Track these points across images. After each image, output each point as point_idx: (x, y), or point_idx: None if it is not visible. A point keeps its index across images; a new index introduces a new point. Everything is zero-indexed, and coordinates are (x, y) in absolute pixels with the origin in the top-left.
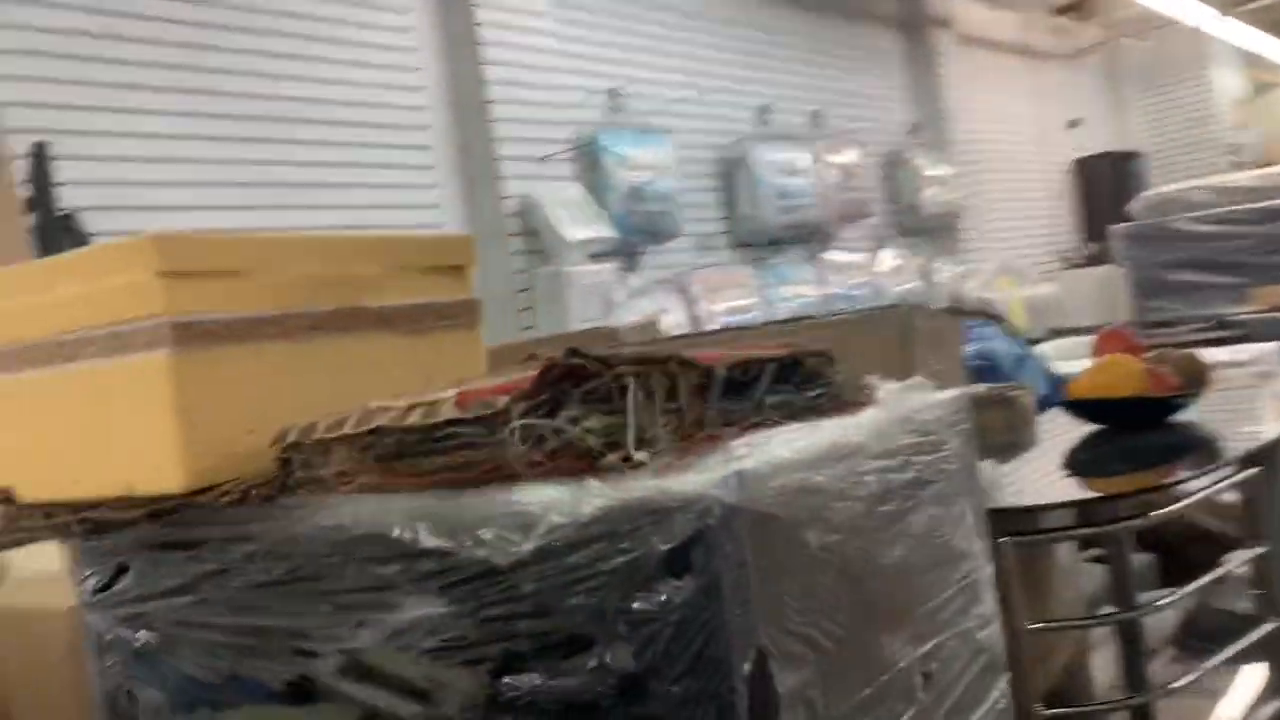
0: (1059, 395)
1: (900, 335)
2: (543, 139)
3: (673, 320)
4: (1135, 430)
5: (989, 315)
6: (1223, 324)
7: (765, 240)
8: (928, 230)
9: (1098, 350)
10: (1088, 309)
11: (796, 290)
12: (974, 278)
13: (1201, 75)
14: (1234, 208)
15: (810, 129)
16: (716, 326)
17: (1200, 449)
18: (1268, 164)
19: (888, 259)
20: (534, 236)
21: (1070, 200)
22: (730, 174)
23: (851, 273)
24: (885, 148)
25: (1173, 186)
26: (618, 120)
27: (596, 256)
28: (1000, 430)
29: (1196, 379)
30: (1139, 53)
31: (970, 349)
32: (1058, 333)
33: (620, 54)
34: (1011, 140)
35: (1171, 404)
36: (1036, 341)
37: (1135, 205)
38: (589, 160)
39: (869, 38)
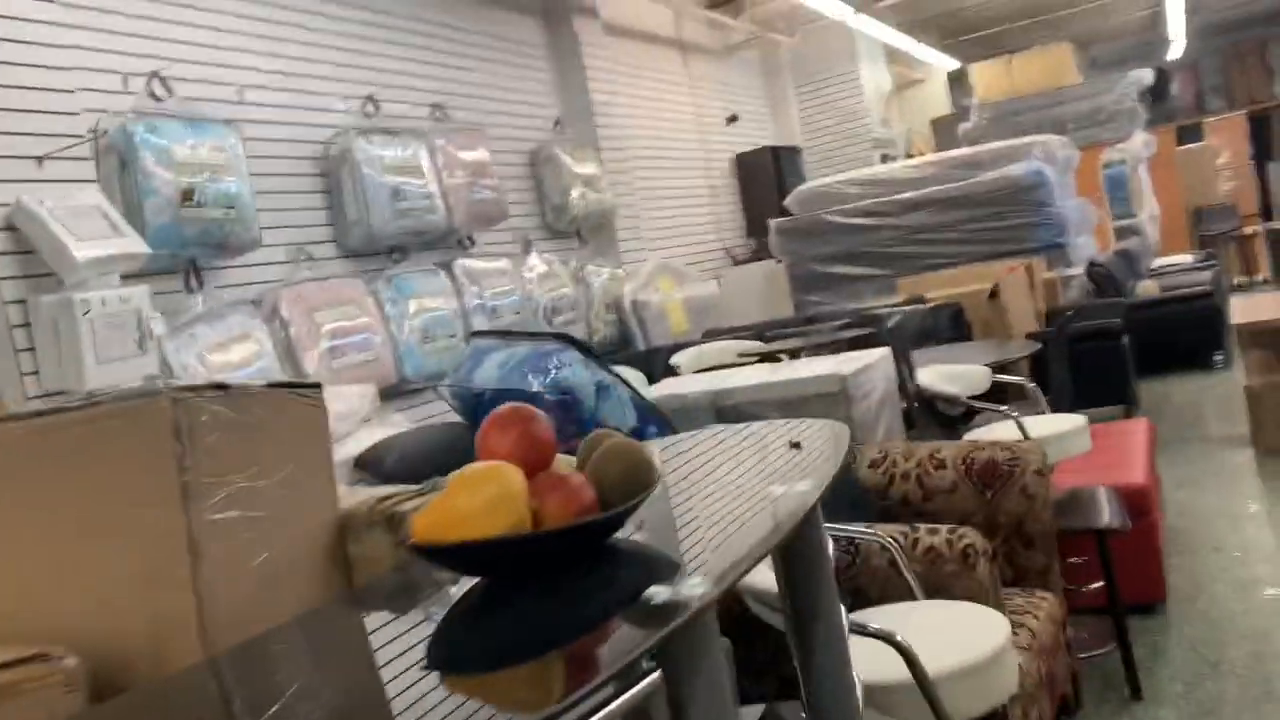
0: (655, 426)
1: (169, 436)
2: (48, 133)
3: (252, 349)
4: (520, 586)
5: (564, 339)
6: (860, 320)
7: (382, 248)
8: (579, 231)
9: (481, 446)
10: (754, 306)
11: (424, 304)
12: (631, 279)
13: (851, 71)
14: (880, 199)
15: (432, 123)
16: (325, 348)
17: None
18: (910, 157)
19: (536, 264)
20: (31, 256)
21: (734, 196)
22: (334, 173)
23: (493, 281)
24: (529, 144)
25: (824, 180)
26: (163, 110)
27: (128, 278)
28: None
29: (633, 483)
30: (791, 48)
31: (547, 378)
32: (714, 334)
33: (173, 29)
34: (670, 135)
35: (579, 537)
36: (632, 360)
37: (790, 200)
38: (119, 158)
39: (506, 25)
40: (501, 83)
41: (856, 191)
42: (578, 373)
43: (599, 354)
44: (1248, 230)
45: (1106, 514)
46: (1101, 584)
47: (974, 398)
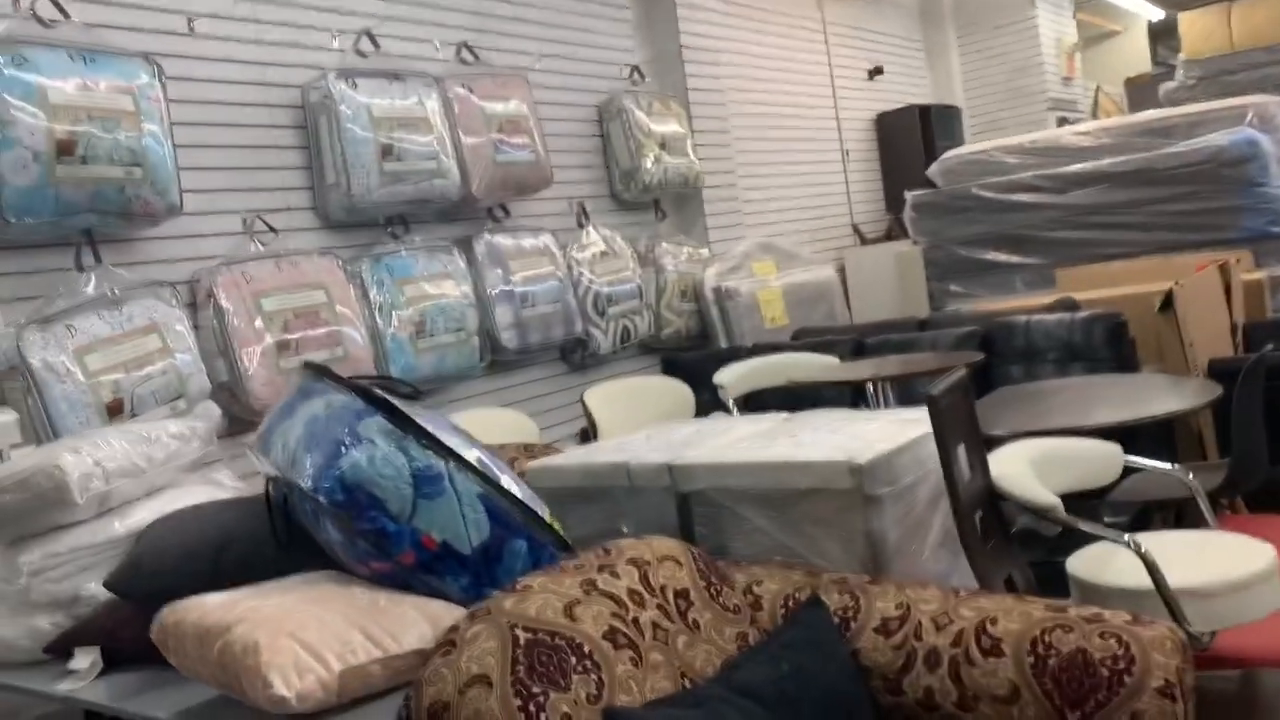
0: (526, 542)
1: None
2: None
3: (155, 346)
4: None
5: (368, 394)
6: (979, 333)
7: (375, 219)
8: (657, 202)
9: None
10: (885, 296)
11: (422, 289)
12: (719, 261)
13: (1028, 18)
14: (1042, 172)
15: (449, 65)
16: (271, 343)
17: None
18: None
19: (594, 241)
20: None
21: (873, 164)
22: (313, 126)
23: (527, 262)
24: (599, 96)
25: (975, 147)
26: (47, 37)
27: None
28: None
29: None
30: None
31: (328, 474)
32: (806, 334)
33: None
34: (791, 90)
35: None
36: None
37: (934, 169)
38: None
39: None
40: (561, 20)
41: (1014, 161)
42: (376, 458)
43: (411, 410)
44: None
45: None
46: None
47: (1092, 493)
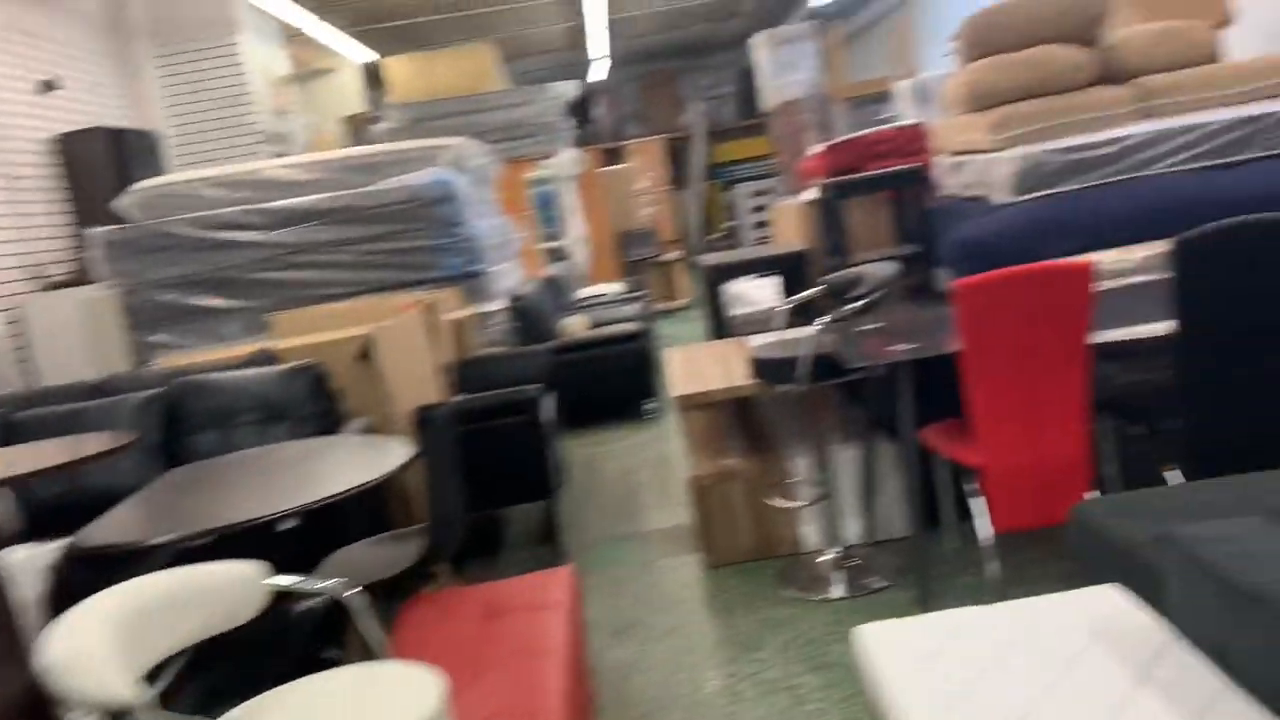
0: None
1: None
2: None
3: None
4: None
5: None
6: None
7: None
8: None
9: None
10: (77, 349)
11: None
12: None
13: (228, 44)
14: (248, 206)
15: None
16: None
17: None
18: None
19: None
20: None
21: (55, 193)
22: None
23: None
24: None
25: (170, 178)
26: None
27: None
28: None
29: None
30: (147, 4)
31: None
32: None
33: None
34: None
35: None
36: None
37: (127, 202)
38: None
39: None
40: None
41: (218, 195)
42: None
43: None
44: (668, 256)
45: None
46: None
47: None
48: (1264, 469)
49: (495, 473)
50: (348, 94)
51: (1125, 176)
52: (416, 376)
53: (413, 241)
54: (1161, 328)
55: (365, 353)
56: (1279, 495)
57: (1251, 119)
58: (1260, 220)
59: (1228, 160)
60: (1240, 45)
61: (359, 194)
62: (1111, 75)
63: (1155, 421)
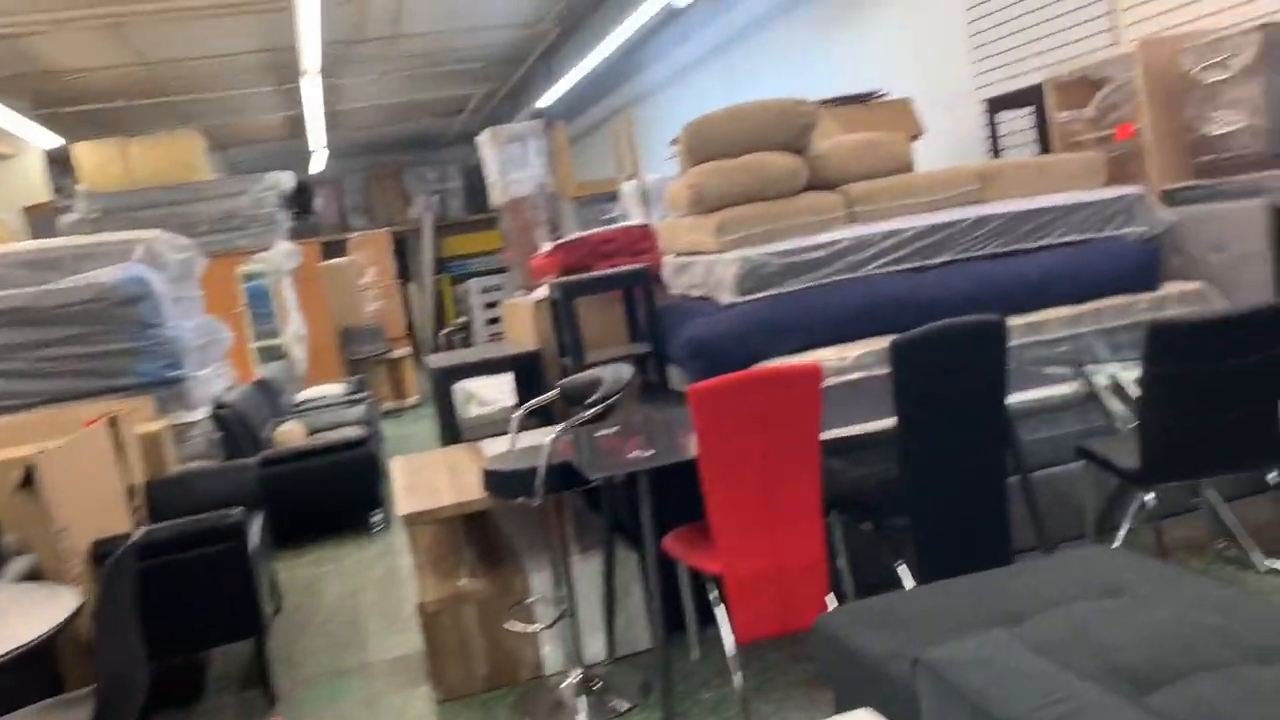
0: None
1: None
2: None
3: None
4: None
5: None
6: None
7: None
8: None
9: None
10: None
11: None
12: None
13: None
14: None
15: None
16: None
17: None
18: None
19: None
20: None
21: None
22: None
23: None
24: None
25: None
26: None
27: None
28: None
29: None
30: None
31: None
32: None
33: None
34: None
35: None
36: None
37: None
38: None
39: None
40: None
41: None
42: None
43: None
44: (396, 353)
45: None
46: None
47: None
48: (984, 567)
49: (193, 611)
50: (30, 182)
51: (839, 277)
52: (97, 503)
53: (102, 345)
54: (880, 424)
55: (28, 480)
56: (1009, 598)
57: (946, 225)
58: (965, 322)
59: (928, 263)
60: (929, 157)
61: (38, 293)
62: (822, 182)
63: (881, 518)
